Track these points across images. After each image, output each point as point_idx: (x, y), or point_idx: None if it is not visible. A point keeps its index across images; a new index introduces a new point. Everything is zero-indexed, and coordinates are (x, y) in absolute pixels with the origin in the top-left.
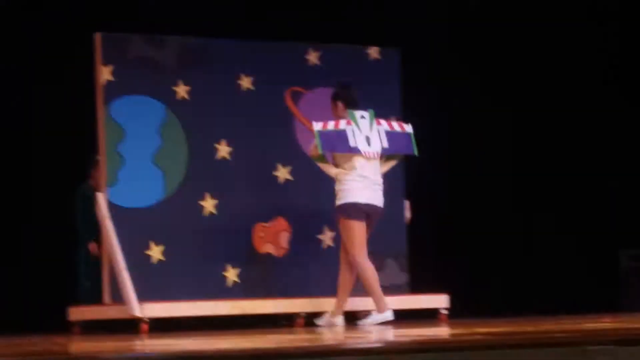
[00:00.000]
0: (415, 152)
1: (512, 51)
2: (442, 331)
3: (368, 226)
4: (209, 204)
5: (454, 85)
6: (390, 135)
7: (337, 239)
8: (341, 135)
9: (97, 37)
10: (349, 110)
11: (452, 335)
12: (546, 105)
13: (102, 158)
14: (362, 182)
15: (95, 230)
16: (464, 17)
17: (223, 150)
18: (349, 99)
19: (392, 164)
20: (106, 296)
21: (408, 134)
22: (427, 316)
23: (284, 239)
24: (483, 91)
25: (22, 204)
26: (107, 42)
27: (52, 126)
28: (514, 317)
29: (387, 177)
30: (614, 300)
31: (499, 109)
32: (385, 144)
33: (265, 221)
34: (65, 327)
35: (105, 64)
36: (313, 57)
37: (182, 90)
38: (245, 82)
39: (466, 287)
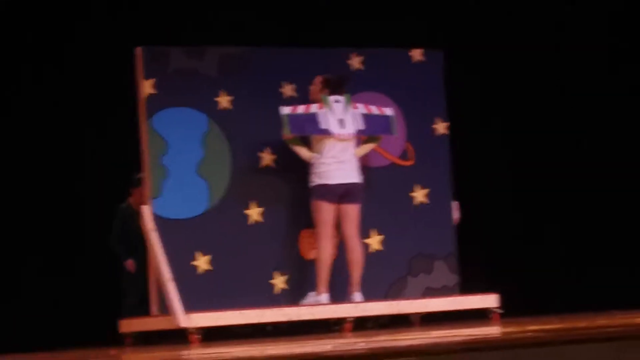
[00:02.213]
0: (395, 133)
1: (558, 52)
2: (493, 330)
3: (350, 202)
4: (254, 212)
5: (500, 85)
6: (367, 117)
7: (385, 243)
8: (311, 118)
9: (138, 51)
10: (322, 96)
11: (504, 333)
12: (603, 105)
13: (147, 171)
14: (334, 165)
15: (132, 248)
16: (508, 16)
17: (267, 158)
18: (330, 83)
19: (370, 146)
20: (154, 308)
21: (387, 117)
22: (479, 316)
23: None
24: (531, 90)
25: (74, 221)
26: (147, 56)
27: (99, 142)
28: (566, 313)
29: (433, 178)
30: None
31: (549, 109)
32: (361, 126)
33: (312, 227)
34: (119, 340)
35: (147, 77)
36: (356, 62)
37: (224, 100)
38: (288, 90)
39: (518, 285)
